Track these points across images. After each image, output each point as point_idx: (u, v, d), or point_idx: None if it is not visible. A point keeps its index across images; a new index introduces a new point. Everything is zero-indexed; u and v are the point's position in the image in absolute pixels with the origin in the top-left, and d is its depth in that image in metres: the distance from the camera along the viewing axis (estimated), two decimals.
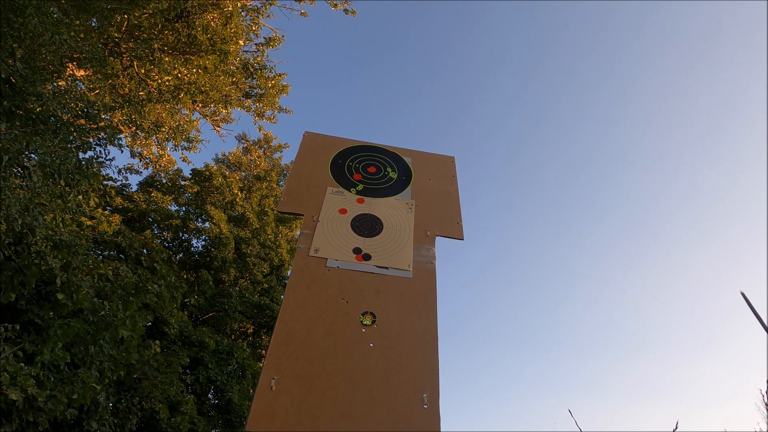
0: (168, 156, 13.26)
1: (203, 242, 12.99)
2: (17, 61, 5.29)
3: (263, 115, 12.57)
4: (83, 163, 5.72)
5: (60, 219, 5.95)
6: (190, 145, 12.27)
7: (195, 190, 13.82)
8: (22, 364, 4.52)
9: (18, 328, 4.66)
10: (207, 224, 12.92)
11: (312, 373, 1.43)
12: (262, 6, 11.37)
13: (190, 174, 14.16)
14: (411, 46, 41.74)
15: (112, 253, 9.64)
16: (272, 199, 15.70)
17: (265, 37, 11.68)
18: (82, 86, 8.66)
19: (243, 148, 18.09)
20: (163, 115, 10.84)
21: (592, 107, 40.29)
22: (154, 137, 11.76)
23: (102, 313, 5.61)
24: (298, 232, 7.72)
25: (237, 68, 11.06)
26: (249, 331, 13.08)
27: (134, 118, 9.44)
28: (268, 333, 12.69)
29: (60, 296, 5.15)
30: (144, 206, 12.27)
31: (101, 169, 6.33)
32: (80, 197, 5.91)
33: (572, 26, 37.53)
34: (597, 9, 37.26)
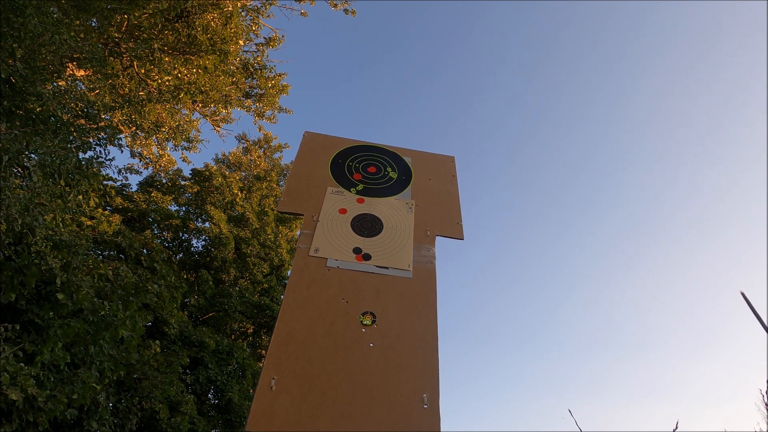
0: (168, 156, 13.26)
1: (203, 242, 13.00)
2: (17, 61, 5.29)
3: (263, 115, 12.57)
4: (83, 163, 5.73)
5: (60, 219, 5.95)
6: (190, 145, 12.27)
7: (195, 190, 13.82)
8: (22, 364, 4.52)
9: (18, 328, 4.66)
10: (207, 224, 12.92)
11: (312, 373, 1.43)
12: (262, 6, 11.37)
13: (190, 174, 14.16)
14: (411, 46, 41.76)
15: (112, 253, 9.65)
16: (272, 199, 15.70)
17: (265, 37, 11.69)
18: (82, 86, 8.66)
19: (243, 148, 18.10)
20: (163, 115, 10.85)
21: (592, 107, 40.31)
22: (154, 137, 11.76)
23: (102, 313, 5.61)
24: (298, 232, 7.72)
25: (237, 68, 11.06)
26: (249, 331, 13.09)
27: (134, 118, 9.44)
28: (268, 333, 12.69)
29: (60, 296, 5.15)
30: (144, 206, 12.27)
31: (101, 169, 6.33)
32: (80, 197, 5.91)
33: (572, 26, 37.54)
34: (597, 9, 37.28)
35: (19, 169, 5.13)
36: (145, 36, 9.26)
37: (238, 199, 14.33)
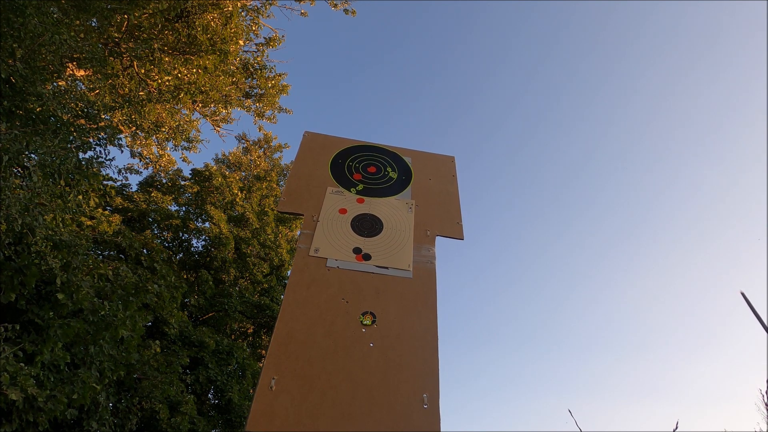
0: (168, 156, 13.26)
1: (203, 242, 13.00)
2: (17, 61, 5.29)
3: (263, 115, 12.57)
4: (83, 163, 5.72)
5: (60, 219, 5.95)
6: (190, 145, 12.27)
7: (195, 190, 13.82)
8: (22, 364, 4.52)
9: (18, 328, 4.65)
10: (207, 224, 12.92)
11: (312, 373, 1.43)
12: (262, 6, 11.37)
13: (190, 174, 14.16)
14: (411, 46, 41.76)
15: (112, 253, 9.65)
16: (272, 199, 15.70)
17: (265, 37, 11.69)
18: (82, 86, 8.66)
19: (243, 148, 18.09)
20: (163, 115, 10.84)
21: (592, 107, 40.31)
22: (154, 137, 11.76)
23: (102, 313, 5.61)
24: (298, 232, 7.72)
25: (237, 68, 11.06)
26: (249, 331, 13.08)
27: (134, 118, 9.44)
28: (268, 333, 12.69)
29: (60, 296, 5.15)
30: (144, 206, 12.27)
31: (101, 169, 6.33)
32: (80, 197, 5.91)
33: (572, 26, 37.53)
34: (597, 9, 37.27)
35: (19, 169, 5.13)
36: (145, 36, 9.26)
37: (238, 199, 14.33)
